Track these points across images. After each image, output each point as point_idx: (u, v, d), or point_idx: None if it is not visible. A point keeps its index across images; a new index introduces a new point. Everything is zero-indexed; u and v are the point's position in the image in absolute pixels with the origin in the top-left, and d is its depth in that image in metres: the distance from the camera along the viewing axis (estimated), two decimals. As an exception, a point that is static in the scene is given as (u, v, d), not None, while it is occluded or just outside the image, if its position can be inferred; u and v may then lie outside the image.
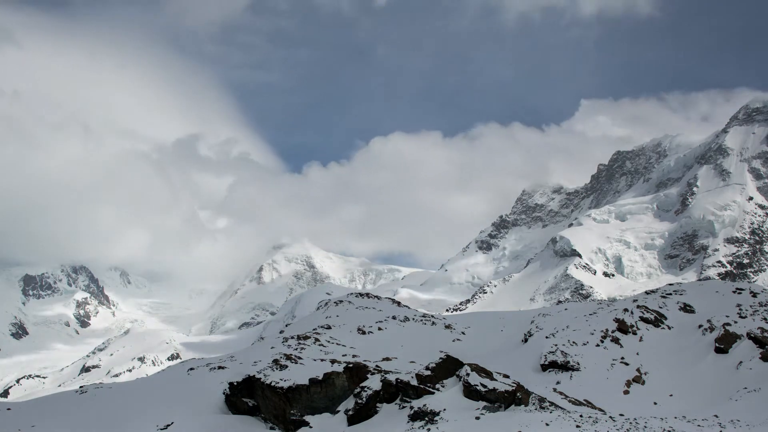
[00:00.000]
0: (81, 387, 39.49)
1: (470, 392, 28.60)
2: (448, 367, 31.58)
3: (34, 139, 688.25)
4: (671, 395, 34.35)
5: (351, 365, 34.22)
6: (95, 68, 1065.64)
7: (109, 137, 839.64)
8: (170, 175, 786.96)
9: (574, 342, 41.04)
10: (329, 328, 51.84)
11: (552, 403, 28.91)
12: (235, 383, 34.42)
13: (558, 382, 36.40)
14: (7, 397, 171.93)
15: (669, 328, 43.69)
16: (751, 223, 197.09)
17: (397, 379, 31.12)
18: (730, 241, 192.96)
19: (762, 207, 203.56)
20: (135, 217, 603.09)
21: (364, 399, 30.89)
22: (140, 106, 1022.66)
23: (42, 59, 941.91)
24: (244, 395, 34.13)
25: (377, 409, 30.62)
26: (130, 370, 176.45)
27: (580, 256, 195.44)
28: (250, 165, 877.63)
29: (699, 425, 25.67)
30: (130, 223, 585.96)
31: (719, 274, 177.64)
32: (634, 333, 42.69)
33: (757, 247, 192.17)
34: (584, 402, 31.91)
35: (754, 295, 47.15)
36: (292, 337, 45.78)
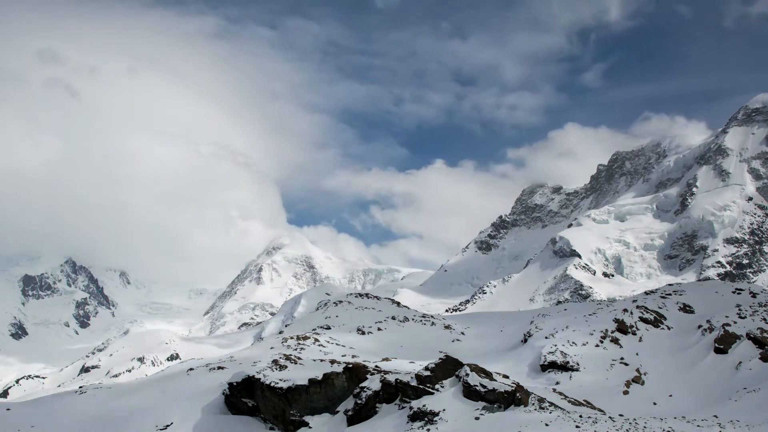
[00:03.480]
0: (81, 387, 39.49)
1: (470, 392, 28.58)
2: (447, 367, 31.54)
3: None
4: (671, 395, 34.35)
5: (350, 365, 34.20)
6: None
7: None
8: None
9: (573, 342, 41.06)
10: (329, 328, 51.88)
11: (551, 404, 28.89)
12: (235, 383, 34.40)
13: (557, 383, 36.40)
14: (7, 397, 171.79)
15: (668, 328, 43.71)
16: (751, 224, 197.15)
17: (396, 379, 31.10)
18: (729, 241, 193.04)
19: (761, 207, 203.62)
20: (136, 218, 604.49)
21: (364, 399, 30.87)
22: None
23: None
24: (243, 395, 34.12)
25: (377, 409, 30.60)
26: (129, 371, 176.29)
27: (579, 256, 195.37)
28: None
29: (699, 425, 25.66)
30: (132, 223, 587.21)
31: (719, 275, 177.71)
32: (634, 333, 42.71)
33: (757, 247, 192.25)
34: (584, 402, 31.90)
35: (754, 295, 47.21)
36: (292, 338, 45.83)
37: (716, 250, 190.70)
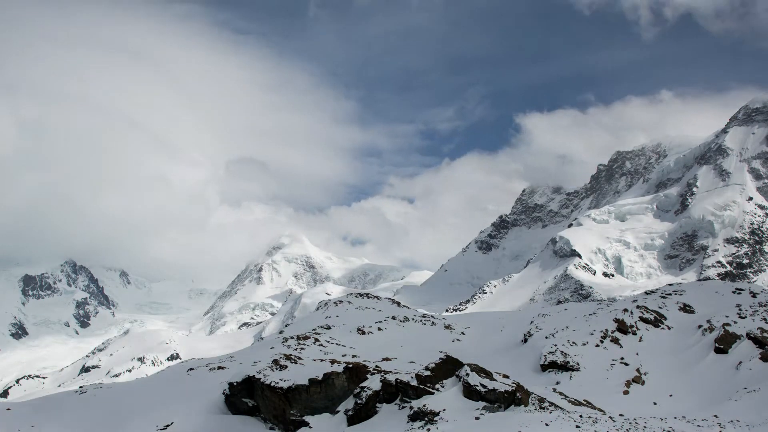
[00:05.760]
0: (81, 387, 39.51)
1: (470, 392, 28.59)
2: (447, 367, 31.55)
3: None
4: (671, 395, 34.34)
5: (351, 365, 34.21)
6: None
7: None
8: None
9: (573, 342, 41.03)
10: (329, 328, 51.84)
11: (552, 404, 28.90)
12: (235, 383, 34.40)
13: (558, 383, 36.37)
14: (7, 397, 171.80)
15: (669, 328, 43.69)
16: (751, 224, 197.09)
17: (396, 379, 31.10)
18: (729, 241, 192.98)
19: (761, 207, 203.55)
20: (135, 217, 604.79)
21: (364, 399, 30.88)
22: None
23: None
24: (243, 395, 34.12)
25: (377, 409, 30.61)
26: (129, 371, 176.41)
27: (579, 256, 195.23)
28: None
29: (699, 425, 25.68)
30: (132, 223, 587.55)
31: (719, 275, 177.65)
32: (634, 333, 42.69)
33: (757, 247, 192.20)
34: (584, 402, 31.90)
35: (754, 295, 47.19)
36: (292, 338, 45.77)
37: (716, 250, 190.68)
